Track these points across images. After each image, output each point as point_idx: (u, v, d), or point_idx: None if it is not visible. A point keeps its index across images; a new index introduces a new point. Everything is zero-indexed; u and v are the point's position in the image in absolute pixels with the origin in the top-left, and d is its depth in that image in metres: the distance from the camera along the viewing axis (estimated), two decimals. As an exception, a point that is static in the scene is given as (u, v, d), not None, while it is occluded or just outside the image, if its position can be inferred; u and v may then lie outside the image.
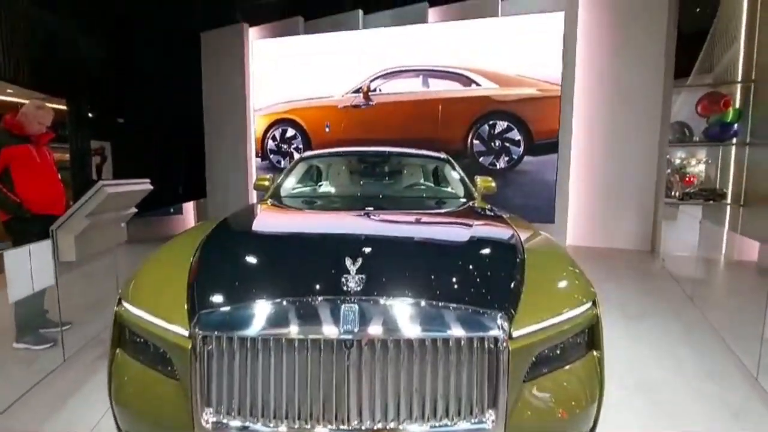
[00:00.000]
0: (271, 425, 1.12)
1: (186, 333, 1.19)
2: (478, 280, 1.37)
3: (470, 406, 1.15)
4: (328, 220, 2.18)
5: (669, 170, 6.85)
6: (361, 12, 7.57)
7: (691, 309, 3.73)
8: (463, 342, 1.15)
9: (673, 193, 6.74)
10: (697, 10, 6.09)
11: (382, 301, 1.20)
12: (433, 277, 1.36)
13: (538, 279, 1.42)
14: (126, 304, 1.36)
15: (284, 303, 1.20)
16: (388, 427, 1.13)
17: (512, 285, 1.34)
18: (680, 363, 2.66)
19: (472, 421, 1.15)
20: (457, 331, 1.15)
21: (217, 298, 1.26)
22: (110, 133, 8.67)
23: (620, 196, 6.64)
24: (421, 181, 3.20)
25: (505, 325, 1.18)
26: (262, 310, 1.19)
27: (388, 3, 7.55)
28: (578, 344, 1.35)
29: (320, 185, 3.24)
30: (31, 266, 2.37)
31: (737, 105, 5.98)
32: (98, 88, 7.50)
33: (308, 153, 3.41)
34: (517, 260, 1.49)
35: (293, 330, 1.13)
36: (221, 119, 8.68)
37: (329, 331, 1.13)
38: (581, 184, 6.84)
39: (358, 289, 1.22)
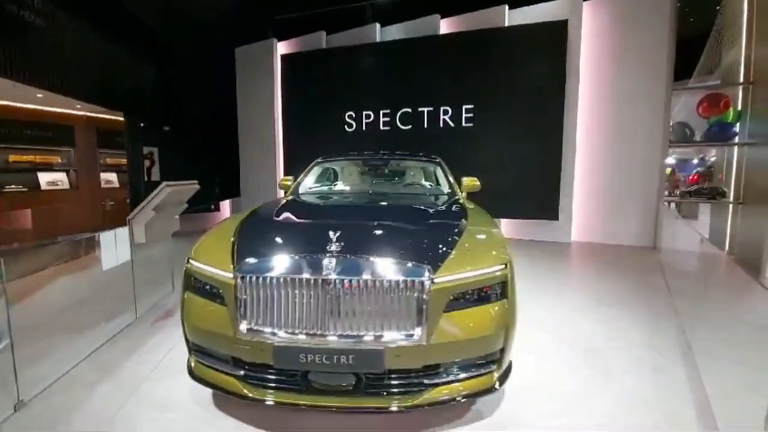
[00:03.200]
0: (281, 331, 1.80)
1: (231, 276, 1.90)
2: (420, 247, 2.01)
3: (406, 325, 1.80)
4: (327, 209, 2.90)
5: (671, 169, 7.15)
6: (378, 25, 8.24)
7: (663, 297, 4.15)
8: (402, 283, 1.80)
9: (675, 192, 7.04)
10: (691, 19, 6.35)
11: (352, 257, 1.87)
12: (389, 244, 2.02)
13: (466, 249, 2.06)
14: (193, 262, 2.10)
15: (292, 257, 1.89)
16: (354, 334, 1.79)
17: (442, 251, 1.98)
18: (630, 338, 3.11)
19: (407, 334, 1.80)
20: (400, 276, 1.81)
21: (250, 255, 1.96)
22: (157, 140, 9.75)
23: (623, 194, 6.97)
24: (412, 180, 3.86)
25: (430, 274, 1.82)
26: (278, 261, 1.88)
27: (404, 15, 8.16)
28: (491, 293, 1.96)
29: (329, 183, 3.97)
30: (116, 245, 3.20)
31: (738, 106, 6.23)
32: (148, 101, 8.54)
33: (321, 158, 4.11)
34: (454, 237, 2.14)
35: (297, 273, 1.82)
36: (253, 127, 9.62)
37: (317, 274, 1.81)
38: (585, 183, 7.22)
39: (338, 250, 1.90)
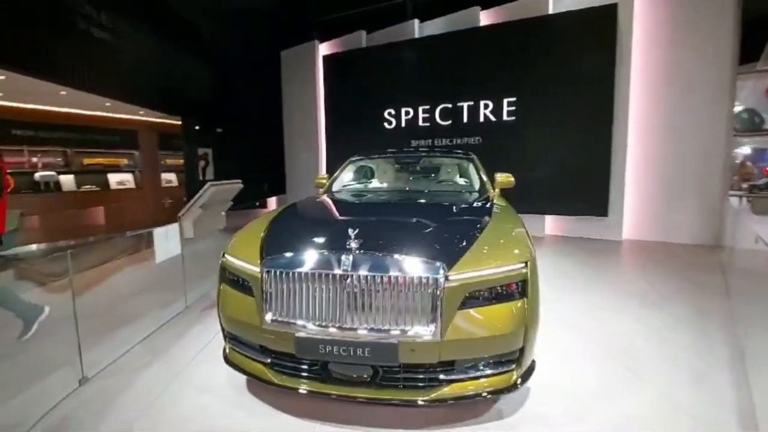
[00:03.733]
0: (302, 323, 1.92)
1: (258, 270, 2.04)
2: (437, 244, 2.04)
3: (420, 320, 1.84)
4: (354, 206, 2.98)
5: (741, 161, 6.50)
6: (417, 21, 8.22)
7: (719, 299, 3.83)
8: (416, 279, 1.84)
9: (742, 186, 6.40)
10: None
11: (368, 253, 1.94)
12: (406, 241, 2.06)
13: (485, 246, 2.06)
14: (227, 256, 2.28)
15: (312, 254, 2.00)
16: (369, 328, 1.87)
17: (459, 248, 1.99)
18: (672, 341, 2.94)
19: (420, 329, 1.84)
20: (414, 273, 1.85)
21: (275, 251, 2.09)
22: (211, 142, 10.37)
23: (681, 188, 6.48)
24: (444, 177, 3.85)
25: (444, 271, 1.85)
26: (300, 257, 2.00)
27: (443, 9, 8.06)
28: (510, 292, 1.95)
29: (362, 181, 4.06)
30: (168, 240, 3.50)
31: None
32: (202, 105, 9.13)
33: (356, 156, 4.21)
34: (474, 234, 2.14)
35: (316, 269, 1.92)
36: (297, 127, 9.98)
37: (335, 269, 1.90)
38: (638, 178, 6.78)
39: (356, 247, 1.98)
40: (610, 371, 2.52)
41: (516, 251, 2.06)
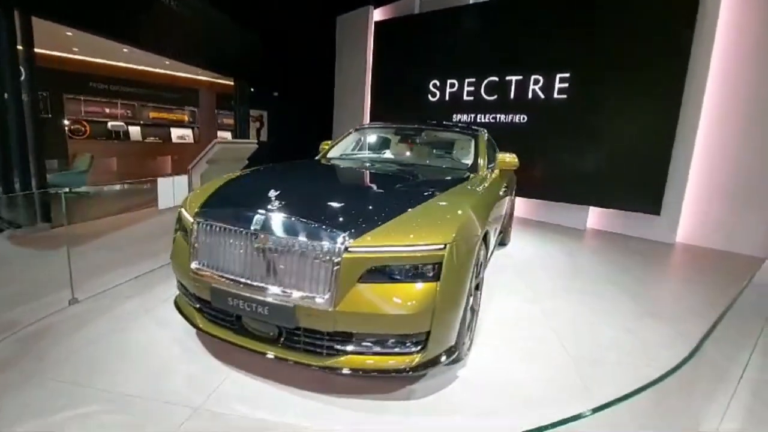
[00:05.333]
0: (216, 274, 2.02)
1: (192, 221, 2.17)
2: (352, 214, 1.99)
3: (316, 288, 1.84)
4: (314, 172, 3.00)
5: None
6: (472, -15, 7.67)
7: (750, 323, 3.31)
8: (317, 247, 1.83)
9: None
10: None
11: (277, 215, 1.95)
12: (325, 208, 2.05)
13: (407, 223, 1.97)
14: (181, 208, 2.44)
15: (233, 210, 2.07)
16: (267, 288, 1.90)
17: (374, 221, 1.93)
18: (655, 357, 2.65)
19: (314, 296, 1.83)
20: (313, 240, 1.84)
21: (208, 205, 2.21)
22: (267, 105, 10.81)
23: (759, 193, 5.53)
24: (440, 151, 3.69)
25: (345, 242, 1.81)
26: (222, 212, 2.09)
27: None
28: (421, 272, 1.86)
29: (359, 150, 4.02)
30: (174, 189, 3.81)
31: None
32: (258, 68, 9.49)
33: (360, 125, 4.17)
34: (403, 208, 2.06)
35: (232, 225, 1.99)
36: (345, 94, 10.02)
37: (246, 227, 1.95)
38: (704, 175, 5.91)
39: (271, 208, 2.00)
40: (562, 377, 2.33)
41: (438, 231, 1.94)
